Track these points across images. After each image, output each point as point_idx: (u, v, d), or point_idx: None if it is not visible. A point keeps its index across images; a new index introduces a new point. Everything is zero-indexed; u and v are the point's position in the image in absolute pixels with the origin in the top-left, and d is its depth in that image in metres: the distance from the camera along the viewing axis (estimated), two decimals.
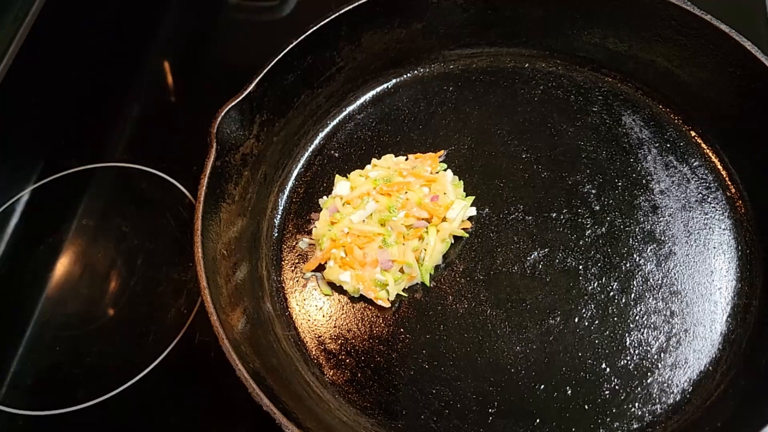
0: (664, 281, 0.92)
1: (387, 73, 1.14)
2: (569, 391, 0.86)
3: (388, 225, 0.95)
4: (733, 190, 0.99)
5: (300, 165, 1.08)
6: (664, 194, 0.99)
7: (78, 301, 1.03)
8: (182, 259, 1.04)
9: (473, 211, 0.99)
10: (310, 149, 1.09)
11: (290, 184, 1.06)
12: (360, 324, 0.94)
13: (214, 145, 0.89)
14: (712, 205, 0.98)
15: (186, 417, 0.94)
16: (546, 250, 0.96)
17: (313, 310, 0.96)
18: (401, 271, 0.94)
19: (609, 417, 0.84)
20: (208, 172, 0.88)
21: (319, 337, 0.93)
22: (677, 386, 0.86)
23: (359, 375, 0.90)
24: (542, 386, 0.86)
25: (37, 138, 1.23)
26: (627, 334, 0.89)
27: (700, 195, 0.99)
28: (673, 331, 0.89)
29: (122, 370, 0.96)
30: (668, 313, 0.90)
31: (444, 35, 1.12)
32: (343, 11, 1.02)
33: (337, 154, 1.08)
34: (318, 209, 1.02)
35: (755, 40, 0.93)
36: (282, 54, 0.97)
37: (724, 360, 0.87)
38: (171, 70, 1.31)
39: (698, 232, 0.96)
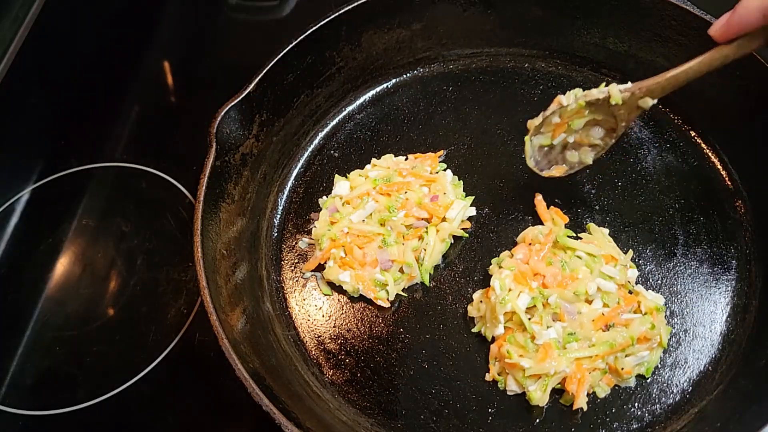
0: (664, 281, 0.92)
1: (387, 73, 1.14)
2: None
3: (387, 225, 0.95)
4: (733, 190, 0.99)
5: (300, 165, 1.08)
6: (664, 194, 0.99)
7: (78, 301, 1.03)
8: (182, 259, 1.04)
9: (473, 211, 0.99)
10: (310, 149, 1.09)
11: (290, 183, 1.06)
12: (359, 324, 0.94)
13: (214, 145, 0.89)
14: (712, 205, 0.98)
15: (186, 417, 0.94)
16: None
17: (313, 310, 0.96)
18: (401, 270, 0.94)
19: (609, 417, 0.84)
20: (207, 171, 0.88)
21: (319, 336, 0.94)
22: (677, 386, 0.86)
23: (359, 375, 0.90)
24: None
25: (37, 138, 1.23)
26: None
27: (700, 195, 0.99)
28: (673, 331, 0.89)
29: (122, 370, 0.96)
30: (668, 313, 0.90)
31: (444, 35, 1.12)
32: (343, 11, 1.02)
33: (336, 154, 1.08)
34: (318, 209, 1.02)
35: None
36: (282, 54, 0.97)
37: (723, 360, 0.87)
38: (171, 70, 1.31)
39: (698, 232, 0.96)
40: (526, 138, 0.92)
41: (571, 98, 0.89)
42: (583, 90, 0.89)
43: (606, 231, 0.94)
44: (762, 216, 0.95)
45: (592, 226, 0.95)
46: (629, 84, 0.87)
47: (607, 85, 0.88)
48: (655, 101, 0.87)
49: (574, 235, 0.93)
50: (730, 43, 0.81)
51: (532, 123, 0.91)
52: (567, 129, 0.91)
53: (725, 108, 0.99)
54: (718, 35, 0.80)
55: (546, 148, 0.94)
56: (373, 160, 1.04)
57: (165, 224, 1.08)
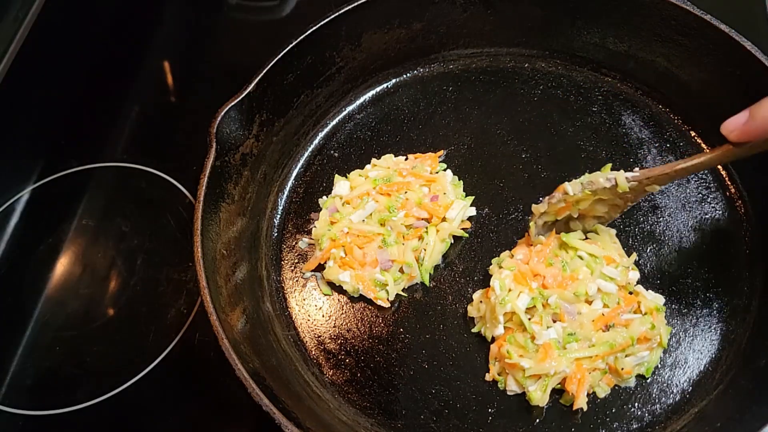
0: (664, 282, 0.92)
1: (387, 73, 1.14)
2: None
3: (387, 225, 0.95)
4: (732, 190, 0.99)
5: (300, 165, 1.08)
6: (664, 194, 0.99)
7: (78, 301, 1.03)
8: (182, 259, 1.04)
9: (473, 211, 0.99)
10: (310, 149, 1.09)
11: (290, 183, 1.06)
12: (360, 324, 0.94)
13: (214, 145, 0.89)
14: (712, 205, 0.98)
15: (186, 417, 0.94)
16: None
17: (313, 310, 0.96)
18: (401, 270, 0.94)
19: (609, 417, 0.84)
20: (207, 171, 0.88)
21: (319, 336, 0.94)
22: (677, 386, 0.86)
23: (359, 375, 0.90)
24: None
25: (37, 138, 1.23)
26: None
27: (700, 195, 0.99)
28: (673, 331, 0.89)
29: (122, 370, 0.96)
30: (668, 313, 0.90)
31: (444, 35, 1.12)
32: (343, 11, 1.02)
33: (336, 154, 1.08)
34: (318, 209, 1.02)
35: (755, 40, 0.93)
36: (282, 54, 0.97)
37: (723, 360, 0.87)
38: (171, 70, 1.31)
39: (698, 232, 0.96)
40: (531, 221, 0.91)
41: (578, 188, 0.87)
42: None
43: (613, 232, 0.94)
44: (762, 216, 0.95)
45: (599, 226, 0.94)
46: (637, 171, 0.85)
47: (608, 170, 0.87)
48: (663, 186, 0.87)
49: (583, 235, 0.93)
50: (741, 143, 0.79)
51: (537, 209, 0.90)
52: (572, 208, 0.90)
53: (725, 108, 0.99)
54: (733, 138, 0.79)
55: (550, 222, 0.93)
56: (373, 160, 1.04)
57: (165, 224, 1.08)
